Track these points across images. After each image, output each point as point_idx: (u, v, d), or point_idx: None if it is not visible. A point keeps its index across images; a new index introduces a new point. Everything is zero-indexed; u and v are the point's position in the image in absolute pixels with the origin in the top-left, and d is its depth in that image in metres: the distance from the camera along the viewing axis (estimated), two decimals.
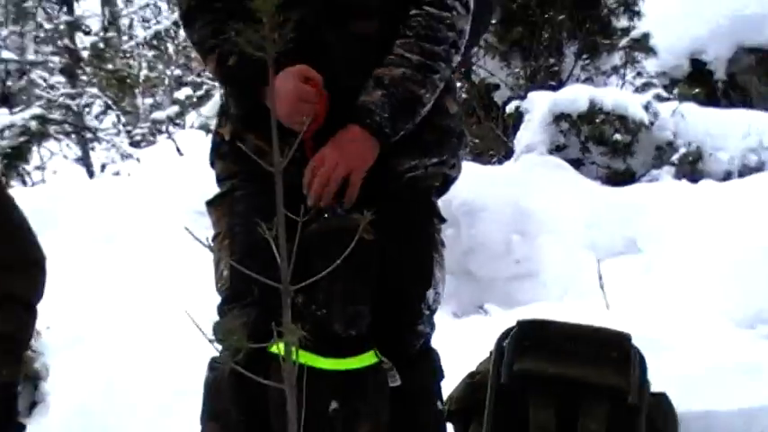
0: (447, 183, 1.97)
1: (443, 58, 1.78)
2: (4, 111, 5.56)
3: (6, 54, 6.66)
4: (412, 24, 1.75)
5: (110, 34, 8.29)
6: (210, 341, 1.34)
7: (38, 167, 5.58)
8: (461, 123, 2.10)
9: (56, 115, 5.85)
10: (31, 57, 7.29)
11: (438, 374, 1.92)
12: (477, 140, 4.57)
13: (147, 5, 8.97)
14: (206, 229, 1.89)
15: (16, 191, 4.03)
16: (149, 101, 7.39)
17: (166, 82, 8.04)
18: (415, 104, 1.76)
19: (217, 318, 1.79)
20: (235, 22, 1.41)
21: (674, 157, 4.22)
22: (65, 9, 7.31)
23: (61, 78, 6.82)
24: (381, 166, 1.75)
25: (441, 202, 2.08)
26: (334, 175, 1.64)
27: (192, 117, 7.03)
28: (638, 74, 4.92)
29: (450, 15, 1.79)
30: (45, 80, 6.76)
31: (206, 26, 1.76)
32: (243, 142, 1.67)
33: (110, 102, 6.70)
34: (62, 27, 7.13)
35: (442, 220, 1.98)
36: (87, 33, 7.69)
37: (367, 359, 1.72)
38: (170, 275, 2.89)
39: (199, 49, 1.87)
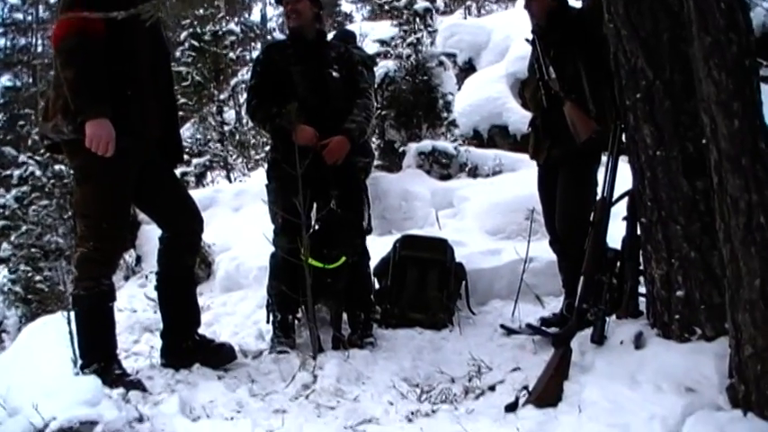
0: (368, 171, 3.84)
1: (370, 118, 3.40)
2: None
3: None
4: (358, 103, 3.30)
5: None
6: (273, 245, 3.23)
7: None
8: (373, 151, 4.30)
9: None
10: None
11: (368, 257, 3.46)
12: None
13: None
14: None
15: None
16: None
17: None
18: (364, 133, 3.34)
19: (273, 236, 3.28)
20: (276, 106, 3.20)
21: None
22: None
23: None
24: (348, 159, 3.22)
25: (371, 187, 4.00)
26: (342, 152, 3.16)
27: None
28: None
29: (371, 103, 3.47)
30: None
31: (261, 112, 3.27)
32: (281, 161, 3.13)
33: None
34: None
35: (366, 189, 3.60)
36: None
37: (341, 261, 3.17)
38: (260, 219, 3.85)
39: (259, 124, 3.48)
